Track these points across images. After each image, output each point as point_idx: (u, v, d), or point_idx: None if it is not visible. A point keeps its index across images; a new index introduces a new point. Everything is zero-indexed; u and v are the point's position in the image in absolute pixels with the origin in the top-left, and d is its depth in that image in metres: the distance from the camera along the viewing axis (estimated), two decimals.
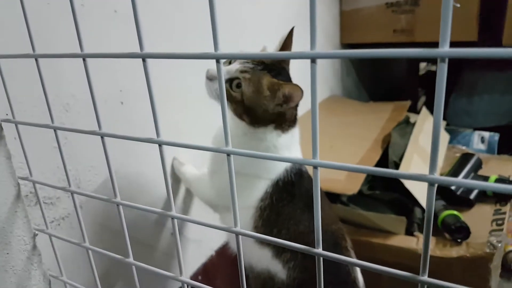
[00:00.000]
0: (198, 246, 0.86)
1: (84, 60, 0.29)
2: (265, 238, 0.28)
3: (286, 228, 0.56)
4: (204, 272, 0.87)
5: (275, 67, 0.52)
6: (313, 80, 0.23)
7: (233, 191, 0.27)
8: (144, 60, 0.26)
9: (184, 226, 0.81)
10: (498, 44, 1.21)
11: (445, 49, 0.19)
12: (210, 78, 0.53)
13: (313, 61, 0.22)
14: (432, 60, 1.92)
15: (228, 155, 0.27)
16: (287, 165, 0.57)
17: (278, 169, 0.57)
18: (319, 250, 0.25)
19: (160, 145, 0.29)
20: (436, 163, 0.20)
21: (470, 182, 0.20)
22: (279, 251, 0.56)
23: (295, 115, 0.58)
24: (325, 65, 1.41)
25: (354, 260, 0.25)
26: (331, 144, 1.05)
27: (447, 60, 0.19)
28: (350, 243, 0.60)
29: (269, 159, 0.26)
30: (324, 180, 0.90)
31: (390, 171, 0.20)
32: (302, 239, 0.55)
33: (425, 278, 0.20)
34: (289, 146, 0.58)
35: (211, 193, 0.64)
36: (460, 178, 0.97)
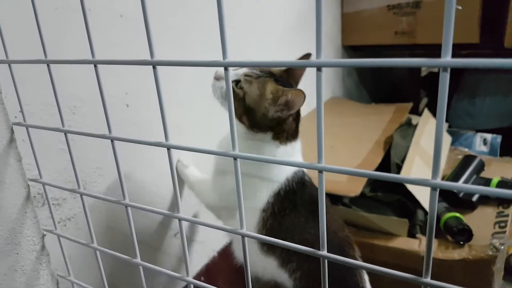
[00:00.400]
0: (201, 247, 0.87)
1: (95, 66, 0.30)
2: (271, 240, 0.29)
3: (291, 237, 0.55)
4: (207, 273, 0.88)
5: (282, 79, 0.54)
6: (319, 88, 0.24)
7: (239, 194, 0.28)
8: (154, 67, 0.27)
9: (186, 227, 0.82)
10: (500, 46, 1.21)
11: (447, 59, 0.20)
12: (217, 78, 0.55)
13: (319, 69, 0.23)
14: None
15: (235, 159, 0.28)
16: (288, 174, 0.57)
17: (279, 179, 0.57)
18: (324, 252, 0.25)
19: (168, 149, 0.29)
20: (438, 168, 0.21)
21: (473, 187, 0.20)
22: (284, 261, 0.55)
23: (295, 128, 0.58)
24: None
25: (358, 262, 0.25)
26: (332, 144, 1.05)
27: (449, 70, 0.20)
28: (358, 252, 0.59)
29: (274, 163, 0.27)
30: (326, 182, 0.89)
31: (393, 175, 0.21)
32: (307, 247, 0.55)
33: (428, 280, 0.21)
34: (290, 157, 0.58)
35: (214, 198, 0.64)
36: (462, 182, 0.98)
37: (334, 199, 0.90)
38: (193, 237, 0.84)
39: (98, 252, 0.40)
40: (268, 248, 0.56)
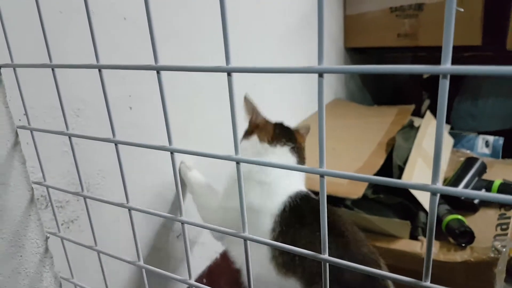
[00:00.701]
0: (203, 249, 0.87)
1: (100, 71, 0.31)
2: (277, 245, 0.29)
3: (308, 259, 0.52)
4: (209, 275, 0.88)
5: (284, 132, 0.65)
6: (320, 93, 0.24)
7: (241, 198, 0.28)
8: (158, 73, 0.28)
9: (189, 228, 0.82)
10: (502, 48, 1.21)
11: (447, 66, 0.20)
12: None
13: (320, 75, 0.23)
14: (436, 63, 1.93)
15: (238, 163, 0.28)
16: (290, 193, 0.57)
17: (281, 197, 0.57)
18: (325, 256, 0.26)
19: (172, 153, 0.30)
20: (438, 172, 0.21)
21: (473, 192, 0.20)
22: (308, 282, 0.51)
23: (274, 129, 0.66)
24: None
25: (356, 265, 0.25)
26: (334, 146, 1.05)
27: (448, 76, 0.20)
28: (385, 268, 0.55)
29: (276, 167, 0.27)
30: (329, 184, 0.90)
31: (393, 180, 0.21)
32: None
33: (428, 283, 0.21)
34: (286, 173, 0.59)
35: (215, 223, 0.66)
36: (464, 184, 0.97)
37: (336, 201, 0.91)
38: (195, 239, 0.84)
39: (101, 255, 0.40)
40: (287, 269, 0.53)
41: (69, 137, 0.36)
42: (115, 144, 0.32)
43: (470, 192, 0.20)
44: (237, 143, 0.27)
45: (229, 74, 0.26)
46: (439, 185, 0.21)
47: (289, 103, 1.19)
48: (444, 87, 0.20)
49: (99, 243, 0.41)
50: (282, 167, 0.26)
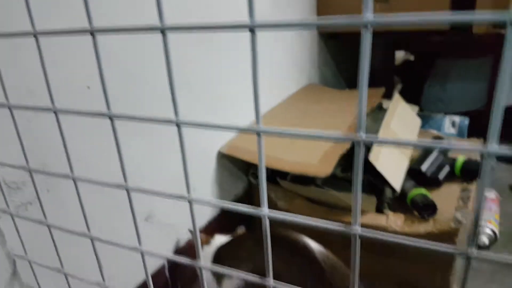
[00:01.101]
0: (173, 230, 0.87)
1: (35, 37, 0.29)
2: (219, 204, 0.29)
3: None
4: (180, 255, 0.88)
5: None
6: (254, 51, 0.24)
7: (184, 160, 0.28)
8: (92, 35, 0.27)
9: (158, 209, 0.82)
10: (469, 32, 1.25)
11: (368, 17, 0.20)
12: None
13: (251, 31, 0.23)
14: (410, 50, 1.98)
15: (178, 125, 0.28)
16: None
17: None
18: (265, 211, 0.26)
19: (111, 118, 0.29)
20: (363, 124, 0.22)
21: (394, 140, 0.21)
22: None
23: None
24: (302, 53, 1.42)
25: (295, 217, 0.26)
26: (306, 130, 1.07)
27: (370, 28, 0.21)
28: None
29: (221, 129, 0.27)
30: (298, 164, 0.92)
31: (320, 134, 0.22)
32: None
33: (357, 227, 0.22)
34: None
35: None
36: (430, 161, 1.01)
37: (307, 180, 0.92)
38: (165, 219, 0.84)
39: (53, 230, 0.39)
40: None
41: (10, 109, 0.35)
42: (55, 112, 0.31)
43: (391, 139, 0.21)
44: (176, 105, 0.27)
45: (163, 33, 0.25)
46: (363, 135, 0.21)
47: (270, 82, 1.19)
48: (366, 39, 0.21)
49: (59, 221, 0.40)
50: (221, 127, 0.26)
